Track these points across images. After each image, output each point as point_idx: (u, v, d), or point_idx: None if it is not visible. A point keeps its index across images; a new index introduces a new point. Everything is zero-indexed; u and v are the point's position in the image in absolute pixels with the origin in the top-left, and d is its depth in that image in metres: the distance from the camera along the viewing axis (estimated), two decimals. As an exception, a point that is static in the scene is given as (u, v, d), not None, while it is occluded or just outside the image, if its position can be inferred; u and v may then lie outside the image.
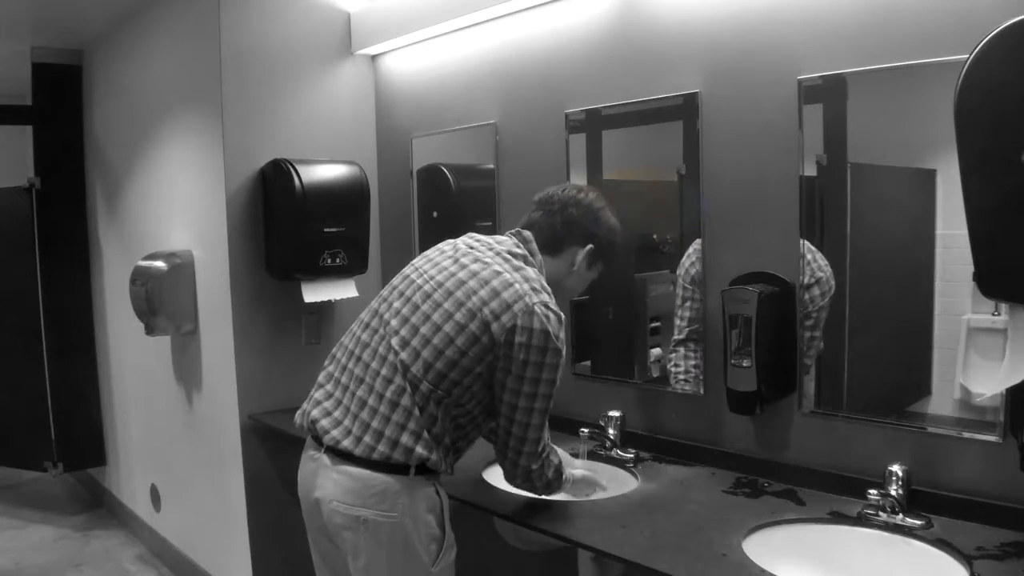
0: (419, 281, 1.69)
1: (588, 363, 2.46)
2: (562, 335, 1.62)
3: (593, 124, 2.37)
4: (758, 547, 1.59)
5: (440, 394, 1.61)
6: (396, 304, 1.69)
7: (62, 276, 4.15)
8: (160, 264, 3.09)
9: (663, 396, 2.23)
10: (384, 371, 1.62)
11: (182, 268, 3.10)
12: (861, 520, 1.67)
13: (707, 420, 2.10)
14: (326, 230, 2.71)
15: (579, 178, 2.42)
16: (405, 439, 1.58)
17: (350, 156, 2.99)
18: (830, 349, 1.89)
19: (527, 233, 1.77)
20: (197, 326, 3.12)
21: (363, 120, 3.15)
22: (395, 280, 1.77)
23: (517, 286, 1.61)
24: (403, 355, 1.61)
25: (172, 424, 3.39)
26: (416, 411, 1.59)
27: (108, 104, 3.92)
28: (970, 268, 1.30)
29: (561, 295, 1.77)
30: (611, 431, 2.21)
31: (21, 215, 4.06)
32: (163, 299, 3.06)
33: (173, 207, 3.27)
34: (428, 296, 1.65)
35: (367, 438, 1.60)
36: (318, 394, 1.73)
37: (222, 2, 2.74)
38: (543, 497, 1.79)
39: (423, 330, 1.62)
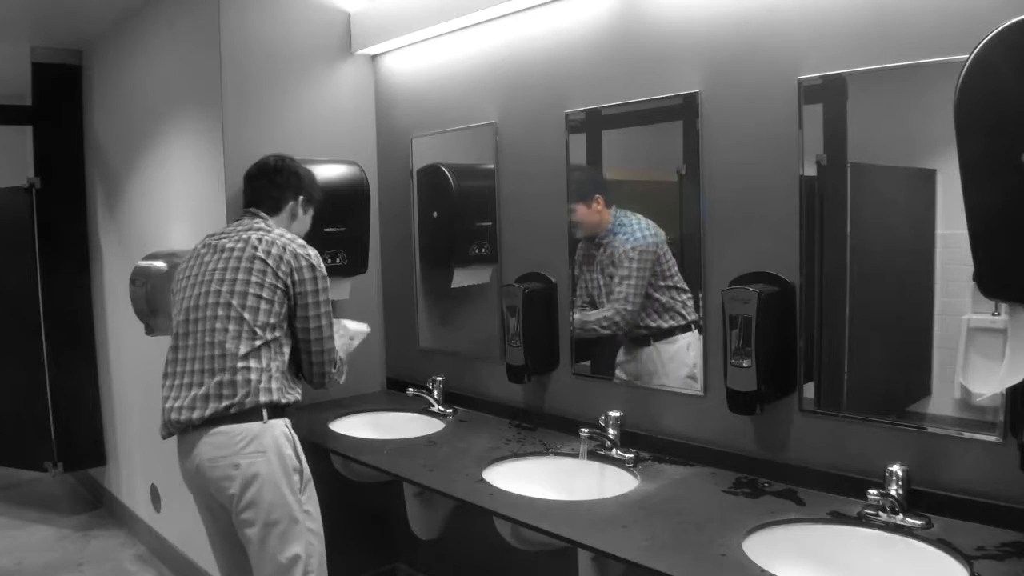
0: (209, 278, 2.04)
1: (588, 363, 2.47)
2: (320, 261, 2.11)
3: (593, 124, 2.37)
4: (758, 547, 1.59)
5: (265, 343, 1.98)
6: (208, 301, 2.01)
7: (62, 276, 4.15)
8: (160, 264, 3.09)
9: (663, 396, 2.24)
10: (217, 352, 1.96)
11: (182, 268, 3.10)
12: (861, 520, 1.67)
13: (707, 420, 2.10)
14: (326, 230, 2.71)
15: (579, 178, 2.42)
16: (252, 389, 1.94)
17: (350, 156, 2.99)
18: (830, 349, 1.89)
19: (253, 209, 2.19)
20: (197, 326, 3.11)
21: (363, 120, 3.15)
22: (185, 298, 2.07)
23: (279, 241, 2.06)
24: (231, 327, 1.97)
25: (172, 424, 3.39)
26: (252, 363, 1.95)
27: (108, 104, 3.92)
28: (970, 268, 1.30)
29: None
30: (611, 431, 2.21)
31: (21, 215, 4.05)
32: (163, 299, 3.06)
33: (173, 207, 3.27)
34: (224, 280, 2.02)
35: (224, 403, 1.93)
36: (168, 403, 2.01)
37: (222, 2, 2.74)
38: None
39: (235, 302, 1.99)
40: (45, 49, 4.05)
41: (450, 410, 2.77)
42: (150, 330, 3.18)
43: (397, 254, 3.17)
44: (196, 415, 1.93)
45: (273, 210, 2.20)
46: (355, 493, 2.59)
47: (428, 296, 3.07)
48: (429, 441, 2.47)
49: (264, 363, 1.98)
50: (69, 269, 4.18)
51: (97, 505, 4.43)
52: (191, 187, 3.09)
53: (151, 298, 3.06)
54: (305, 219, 2.29)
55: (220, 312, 1.98)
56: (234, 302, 1.98)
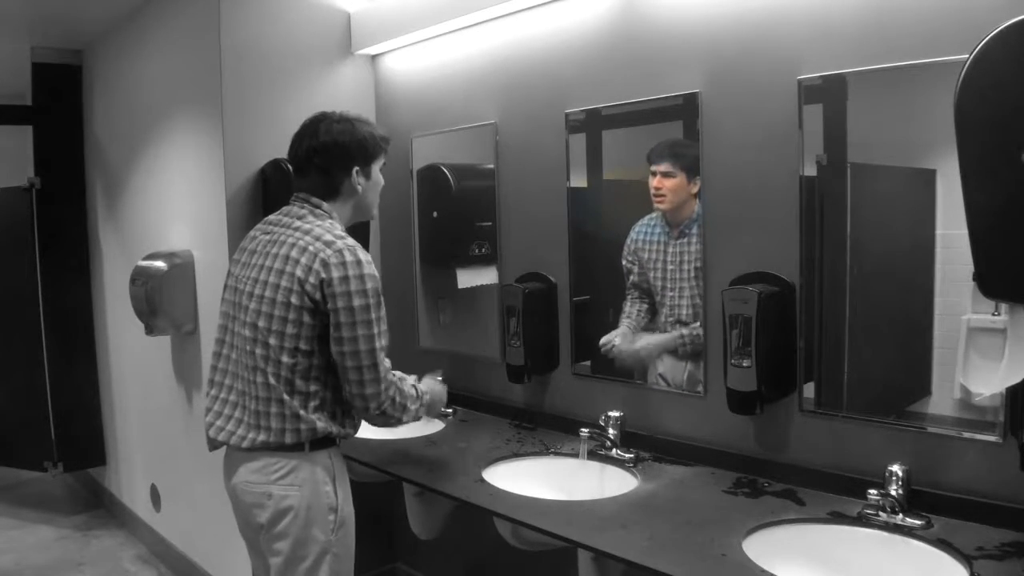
0: (244, 288, 1.84)
1: (588, 363, 2.47)
2: (366, 260, 1.77)
3: (593, 124, 2.37)
4: (758, 547, 1.59)
5: (301, 369, 1.76)
6: (241, 317, 1.83)
7: (62, 276, 4.15)
8: (160, 264, 3.09)
9: (663, 396, 2.23)
10: (258, 378, 1.77)
11: (182, 268, 3.10)
12: (861, 520, 1.68)
13: (707, 420, 2.10)
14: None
15: (579, 178, 2.42)
16: (289, 425, 1.75)
17: (350, 156, 2.98)
18: (830, 349, 1.89)
19: (303, 195, 1.89)
20: (197, 326, 3.12)
21: (363, 120, 3.15)
22: (228, 296, 1.90)
23: (311, 248, 1.76)
24: (258, 351, 1.77)
25: (172, 424, 3.39)
26: (286, 396, 1.75)
27: (108, 104, 3.92)
28: (970, 268, 1.30)
29: (365, 211, 1.97)
30: (611, 431, 2.21)
31: (21, 215, 4.06)
32: (163, 299, 3.06)
33: (173, 207, 3.27)
34: (253, 295, 1.80)
35: (261, 436, 1.77)
36: (210, 417, 1.88)
37: (222, 2, 2.74)
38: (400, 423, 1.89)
39: (260, 323, 1.77)
40: (45, 49, 4.05)
41: (450, 410, 2.77)
42: (150, 330, 3.18)
43: (397, 254, 3.16)
44: (234, 440, 1.80)
45: (329, 195, 1.88)
46: (355, 493, 2.59)
47: (428, 296, 3.07)
48: (429, 441, 2.47)
49: (303, 392, 1.76)
50: (69, 269, 4.18)
51: (97, 505, 4.43)
52: (191, 187, 3.09)
53: (151, 298, 3.07)
54: (372, 184, 1.95)
55: (248, 333, 1.78)
56: (260, 323, 1.76)
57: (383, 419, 1.83)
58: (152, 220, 3.46)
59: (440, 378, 2.18)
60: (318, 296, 1.73)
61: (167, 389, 3.40)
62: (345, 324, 1.73)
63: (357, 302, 1.73)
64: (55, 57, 4.09)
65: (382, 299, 1.79)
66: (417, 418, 1.91)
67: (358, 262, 1.74)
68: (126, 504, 4.08)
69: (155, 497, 3.67)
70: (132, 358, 3.82)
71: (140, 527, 3.88)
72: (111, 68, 3.83)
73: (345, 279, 1.72)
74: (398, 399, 1.82)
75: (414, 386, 1.92)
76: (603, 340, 2.34)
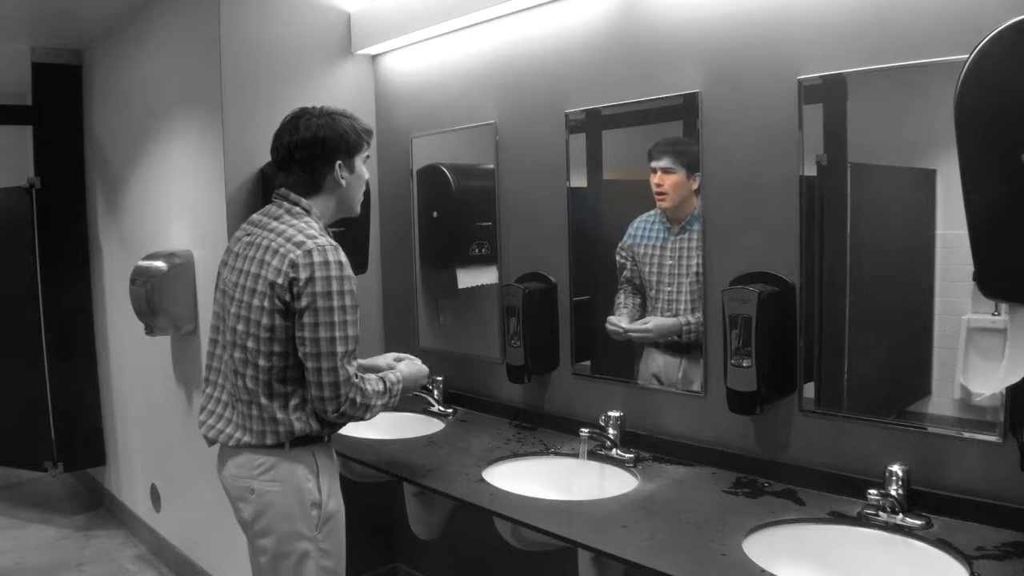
0: (227, 291, 1.87)
1: (588, 363, 2.47)
2: (335, 260, 1.74)
3: (593, 124, 2.37)
4: (758, 547, 1.60)
5: (277, 371, 1.76)
6: (226, 320, 1.86)
7: (62, 276, 4.15)
8: (160, 264, 3.09)
9: (662, 396, 2.24)
10: (239, 381, 1.81)
11: (182, 268, 3.10)
12: (861, 520, 1.68)
13: (707, 420, 2.10)
14: (326, 230, 2.70)
15: (579, 178, 2.42)
16: (269, 427, 1.78)
17: (350, 156, 2.98)
18: (830, 349, 1.89)
19: (282, 191, 1.88)
20: (197, 326, 3.12)
21: (363, 120, 3.15)
22: (218, 296, 1.92)
23: (281, 249, 1.75)
24: (237, 355, 1.80)
25: (172, 424, 3.39)
26: (264, 400, 1.77)
27: (108, 104, 3.92)
28: (970, 268, 1.30)
29: (348, 206, 1.93)
30: (611, 431, 2.21)
31: (21, 215, 4.06)
32: (163, 299, 3.06)
33: (173, 207, 3.27)
34: (232, 299, 1.83)
35: (245, 437, 1.81)
36: (203, 415, 1.93)
37: (222, 2, 2.74)
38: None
39: (240, 327, 1.79)
40: (45, 49, 4.05)
41: (450, 410, 2.77)
42: (150, 330, 3.19)
43: (397, 254, 3.17)
44: (222, 439, 1.85)
45: (311, 191, 1.86)
46: (355, 493, 2.59)
47: (428, 296, 3.07)
48: (429, 441, 2.47)
49: (281, 393, 1.77)
50: (69, 269, 4.18)
51: (97, 505, 4.43)
52: (191, 187, 3.09)
53: (151, 298, 3.07)
54: (356, 177, 1.90)
55: (229, 336, 1.82)
56: (239, 327, 1.78)
57: (343, 419, 1.81)
58: (152, 220, 3.46)
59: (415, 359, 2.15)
60: (287, 297, 1.72)
61: (167, 389, 3.40)
62: (308, 324, 1.72)
63: (321, 303, 1.71)
64: (55, 57, 4.09)
65: (348, 302, 1.74)
66: (388, 408, 1.90)
67: (326, 263, 1.72)
68: (126, 504, 4.08)
69: (155, 497, 3.67)
70: (132, 358, 3.82)
71: (140, 527, 3.88)
72: (111, 68, 3.83)
73: (311, 279, 1.71)
74: (359, 400, 1.78)
75: (382, 379, 1.87)
76: (612, 320, 2.33)
